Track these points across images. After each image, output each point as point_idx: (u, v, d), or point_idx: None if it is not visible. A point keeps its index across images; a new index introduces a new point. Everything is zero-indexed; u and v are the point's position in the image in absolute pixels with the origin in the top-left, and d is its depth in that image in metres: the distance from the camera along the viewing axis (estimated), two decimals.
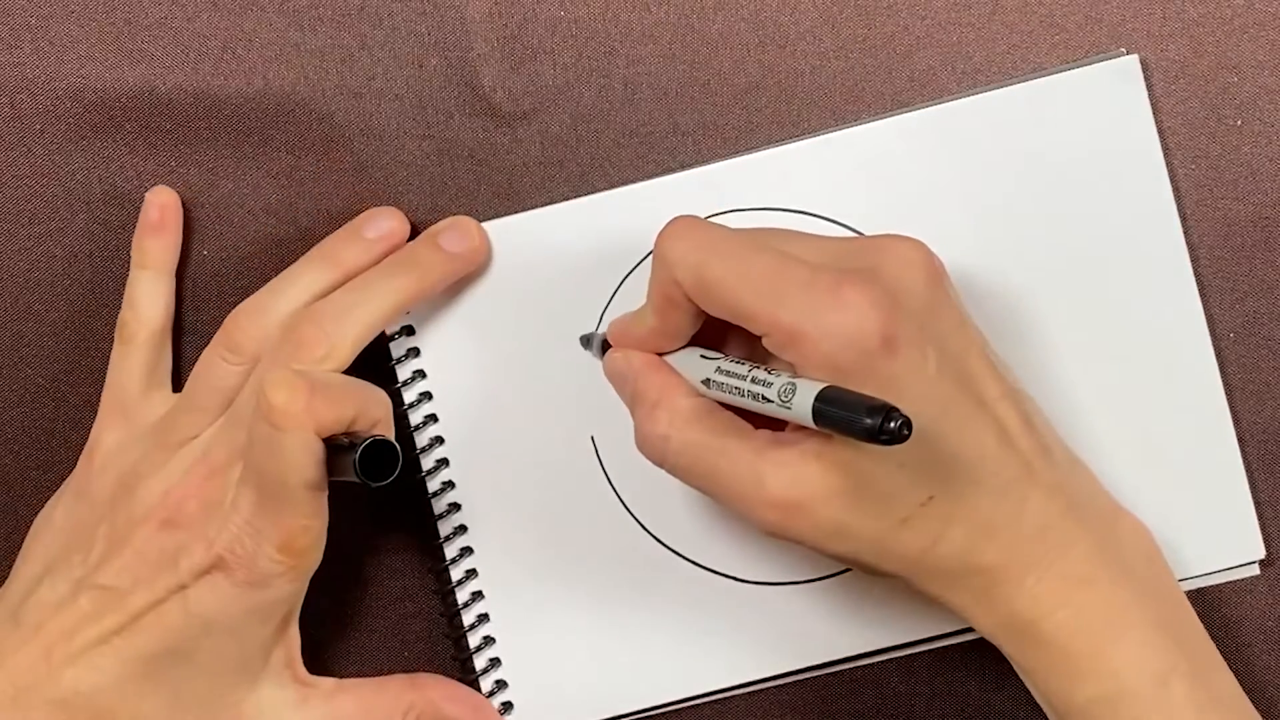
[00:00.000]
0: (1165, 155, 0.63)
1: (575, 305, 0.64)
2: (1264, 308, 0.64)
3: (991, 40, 0.64)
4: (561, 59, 0.65)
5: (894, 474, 0.54)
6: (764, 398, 0.54)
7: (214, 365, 0.62)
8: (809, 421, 0.52)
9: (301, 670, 0.63)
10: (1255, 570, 0.64)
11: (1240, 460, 0.63)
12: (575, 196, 0.65)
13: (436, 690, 0.64)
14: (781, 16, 0.64)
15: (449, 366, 0.65)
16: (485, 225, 0.64)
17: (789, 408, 0.53)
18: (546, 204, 0.65)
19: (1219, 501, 0.63)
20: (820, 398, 0.51)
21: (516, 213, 0.65)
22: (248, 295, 0.66)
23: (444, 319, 0.65)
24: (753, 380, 0.55)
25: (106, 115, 0.66)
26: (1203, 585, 0.64)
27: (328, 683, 0.64)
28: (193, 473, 0.61)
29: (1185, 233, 0.64)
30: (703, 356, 0.58)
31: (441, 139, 0.65)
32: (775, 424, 0.56)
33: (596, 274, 0.64)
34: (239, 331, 0.62)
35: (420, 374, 0.65)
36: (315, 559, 0.61)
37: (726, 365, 0.56)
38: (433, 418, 0.65)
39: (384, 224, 0.64)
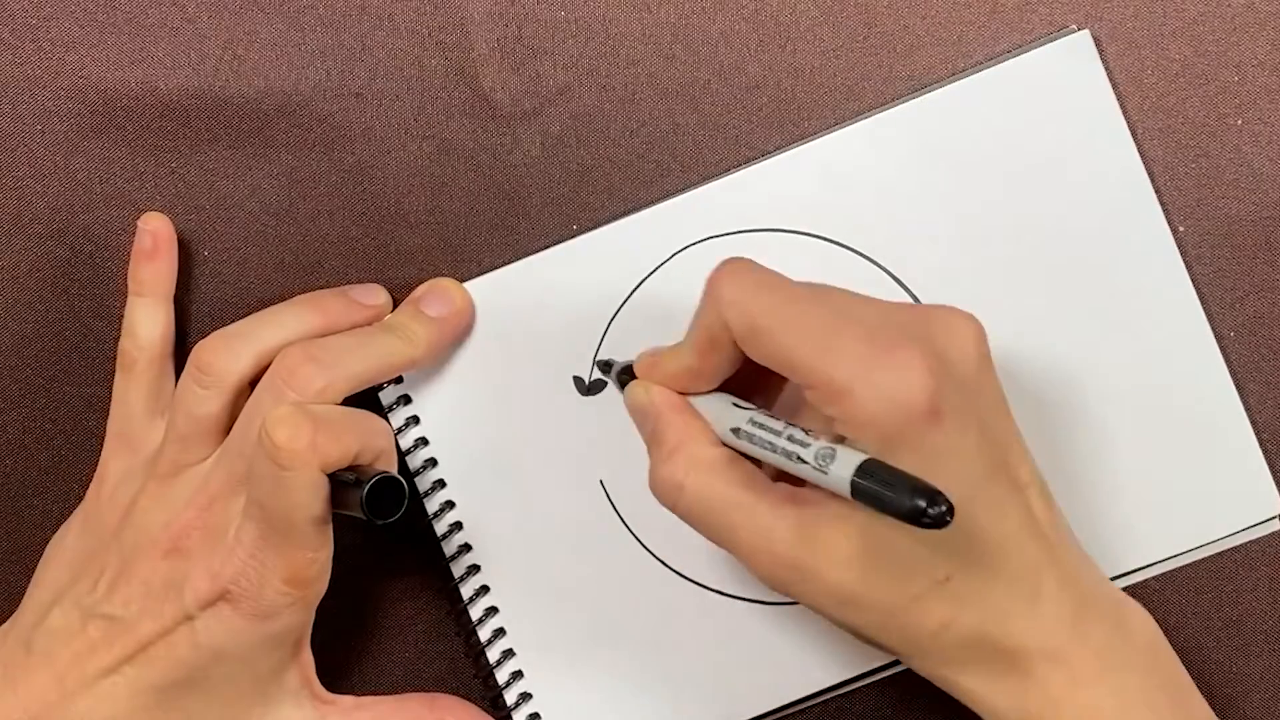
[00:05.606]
0: (1165, 154, 0.64)
1: (565, 352, 0.64)
2: (1264, 308, 0.64)
3: (993, 38, 0.64)
4: (561, 59, 0.65)
5: (915, 547, 0.52)
6: (799, 458, 0.52)
7: (188, 391, 0.61)
8: (844, 491, 0.50)
9: (319, 689, 0.63)
10: (1277, 525, 0.64)
11: (1249, 426, 0.63)
12: (575, 196, 0.65)
13: (455, 711, 0.64)
14: (782, 15, 0.64)
15: (443, 414, 0.65)
16: (466, 285, 0.64)
17: (824, 473, 0.51)
18: (546, 203, 0.65)
19: (1233, 467, 0.64)
20: (861, 469, 0.50)
21: (515, 212, 0.65)
22: (248, 296, 0.66)
23: (434, 373, 0.65)
24: (789, 438, 0.53)
25: (107, 115, 0.66)
26: (1226, 547, 0.64)
27: (346, 700, 0.64)
28: (192, 503, 0.60)
29: (1186, 232, 0.64)
30: (735, 404, 0.56)
31: (441, 139, 0.65)
32: (795, 478, 0.55)
33: (583, 318, 0.64)
34: (211, 356, 0.61)
35: (414, 420, 0.65)
36: (321, 588, 0.61)
37: (760, 418, 0.54)
38: (431, 461, 0.65)
39: (372, 295, 0.64)
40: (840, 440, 0.52)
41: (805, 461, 0.52)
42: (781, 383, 0.58)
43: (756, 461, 0.56)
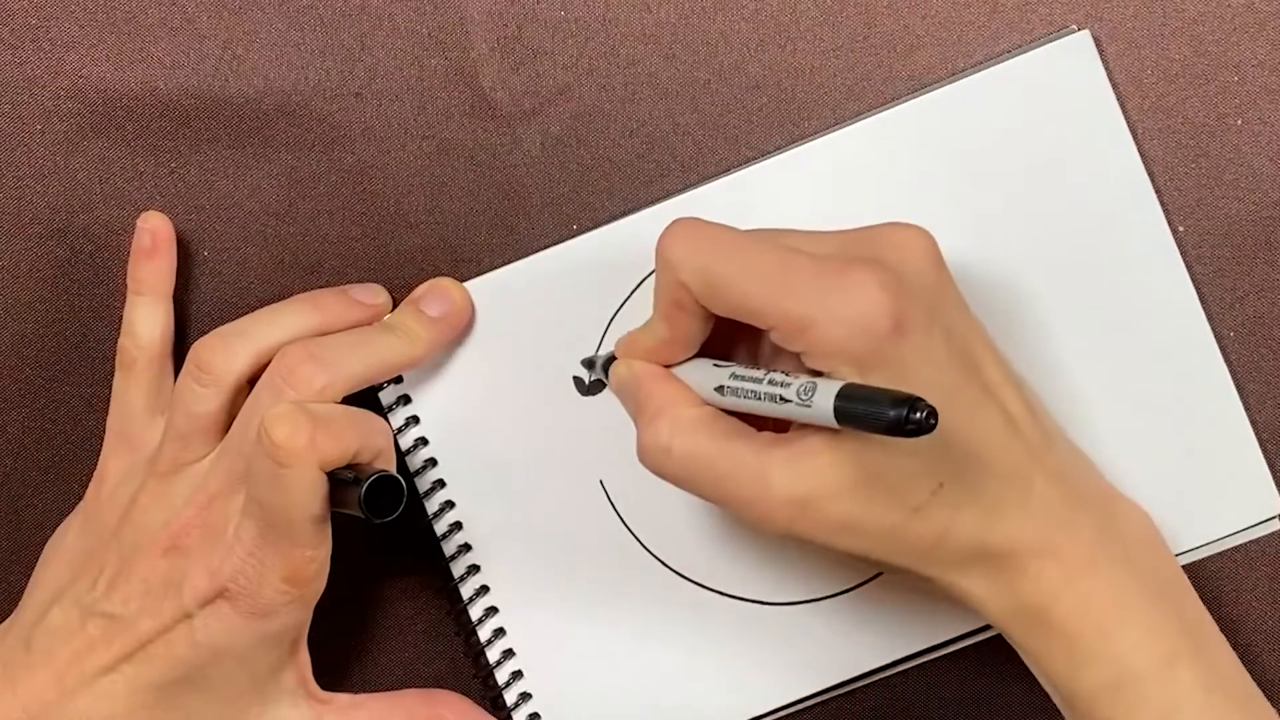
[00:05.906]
0: (1165, 154, 0.64)
1: (565, 352, 0.64)
2: (1264, 308, 0.64)
3: (993, 38, 0.64)
4: (561, 59, 0.65)
5: (904, 463, 0.53)
6: (782, 398, 0.53)
7: (186, 389, 0.61)
8: (830, 420, 0.51)
9: (315, 688, 0.63)
10: (1277, 525, 0.64)
11: (1249, 426, 0.63)
12: (575, 196, 0.65)
13: (451, 706, 0.64)
14: (782, 15, 0.64)
15: (443, 414, 0.65)
16: (466, 285, 0.64)
17: (809, 406, 0.52)
18: (546, 203, 0.65)
19: (1233, 467, 0.64)
20: (842, 394, 0.51)
21: (515, 212, 0.65)
22: (248, 296, 0.66)
23: (434, 373, 0.65)
24: (770, 382, 0.54)
25: (106, 115, 0.66)
26: (1226, 547, 0.64)
27: (343, 698, 0.64)
28: (192, 501, 0.60)
29: (1186, 232, 0.64)
30: (715, 365, 0.57)
31: (441, 139, 0.65)
32: (781, 430, 0.55)
33: (583, 318, 0.64)
34: (210, 354, 0.61)
35: (414, 420, 0.65)
36: (320, 587, 0.61)
37: (741, 370, 0.55)
38: (431, 461, 0.65)
39: (372, 294, 0.64)
40: (819, 375, 0.53)
41: (789, 400, 0.53)
42: (760, 337, 0.58)
43: (745, 418, 0.56)
